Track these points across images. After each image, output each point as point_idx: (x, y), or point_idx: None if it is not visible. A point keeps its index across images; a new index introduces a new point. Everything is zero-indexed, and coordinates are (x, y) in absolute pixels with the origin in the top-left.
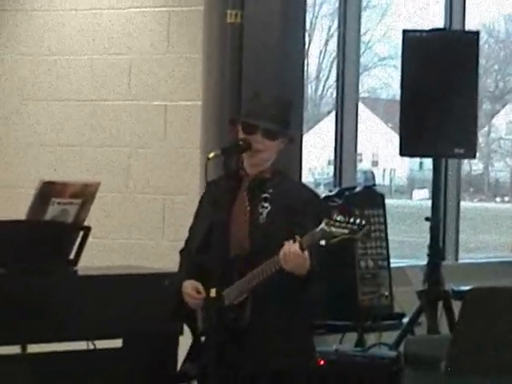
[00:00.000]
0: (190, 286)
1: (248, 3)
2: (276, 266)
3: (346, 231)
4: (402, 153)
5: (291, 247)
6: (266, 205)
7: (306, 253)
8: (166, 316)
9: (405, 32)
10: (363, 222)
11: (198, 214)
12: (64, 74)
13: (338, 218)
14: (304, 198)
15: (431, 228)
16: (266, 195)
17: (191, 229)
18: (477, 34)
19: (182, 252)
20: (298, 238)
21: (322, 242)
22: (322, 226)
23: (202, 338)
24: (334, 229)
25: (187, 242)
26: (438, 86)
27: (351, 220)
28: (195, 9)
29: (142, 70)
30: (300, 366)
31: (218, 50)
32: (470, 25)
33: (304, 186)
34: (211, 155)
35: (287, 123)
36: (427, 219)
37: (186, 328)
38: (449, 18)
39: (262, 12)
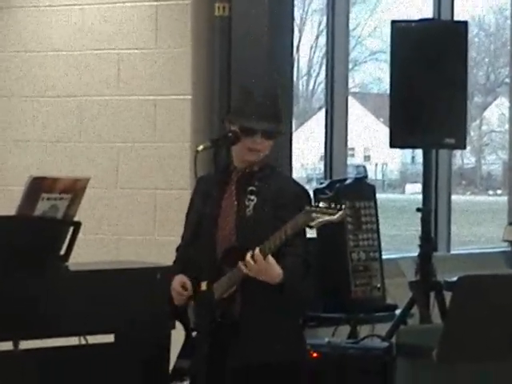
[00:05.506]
0: (178, 282)
1: None
2: (241, 273)
3: (325, 216)
4: (392, 144)
5: (253, 254)
6: (252, 197)
7: (270, 259)
8: (164, 313)
9: (393, 22)
10: (342, 206)
11: (189, 209)
12: (52, 71)
13: (320, 205)
14: (290, 192)
15: (422, 218)
16: (252, 188)
17: (185, 224)
18: (465, 23)
19: (178, 248)
20: (260, 246)
21: (309, 229)
22: (303, 212)
23: (194, 333)
24: (314, 214)
25: (182, 237)
26: (428, 75)
27: (332, 205)
28: (183, 2)
29: (131, 64)
30: (290, 360)
31: (206, 43)
32: (460, 18)
33: (292, 180)
34: (200, 148)
35: (281, 118)
36: (418, 210)
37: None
38: (437, 10)
39: (250, 4)
